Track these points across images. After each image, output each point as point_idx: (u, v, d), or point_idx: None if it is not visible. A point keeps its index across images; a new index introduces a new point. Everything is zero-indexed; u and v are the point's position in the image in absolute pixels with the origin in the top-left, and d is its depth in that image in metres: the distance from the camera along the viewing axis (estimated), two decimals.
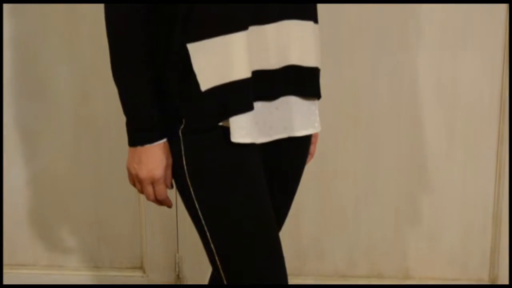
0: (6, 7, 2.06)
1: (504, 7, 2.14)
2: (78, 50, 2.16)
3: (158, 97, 1.33)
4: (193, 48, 1.30)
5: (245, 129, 1.32)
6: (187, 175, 1.35)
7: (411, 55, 2.20)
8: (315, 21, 1.42)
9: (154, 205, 1.43)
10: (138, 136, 1.34)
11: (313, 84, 1.44)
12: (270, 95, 1.37)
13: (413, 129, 2.25)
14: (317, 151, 1.56)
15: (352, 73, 2.22)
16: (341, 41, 2.18)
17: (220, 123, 1.32)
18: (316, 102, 1.46)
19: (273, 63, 1.35)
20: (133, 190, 1.50)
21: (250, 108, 1.32)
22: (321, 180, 2.28)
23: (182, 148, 1.34)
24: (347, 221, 2.32)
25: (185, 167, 1.34)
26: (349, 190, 2.30)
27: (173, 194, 1.43)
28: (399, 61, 2.20)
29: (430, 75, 2.22)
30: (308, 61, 1.40)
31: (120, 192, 2.25)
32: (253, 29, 1.32)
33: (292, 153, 1.49)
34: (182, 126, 1.33)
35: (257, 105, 1.35)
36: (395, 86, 2.22)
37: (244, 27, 1.30)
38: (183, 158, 1.34)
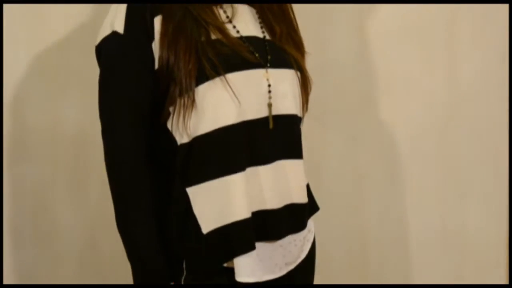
0: (7, 153, 2.09)
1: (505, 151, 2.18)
2: (85, 196, 2.17)
3: (162, 243, 1.35)
4: (192, 191, 1.33)
5: (250, 268, 1.34)
6: None
7: (417, 201, 2.22)
8: (302, 157, 1.46)
9: None
10: (144, 283, 1.35)
11: (305, 218, 1.47)
12: (275, 235, 1.38)
13: (422, 275, 2.23)
14: None
15: (359, 220, 2.22)
16: (346, 189, 2.22)
17: (225, 264, 1.34)
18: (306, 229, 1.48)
19: (275, 202, 1.37)
20: None
21: (252, 247, 1.34)
22: None
23: None
24: None
25: None
26: None
27: None
28: (404, 206, 2.22)
29: (435, 222, 2.23)
30: (302, 199, 1.44)
31: None
32: (250, 170, 1.34)
33: (298, 274, 1.48)
34: (183, 276, 1.35)
35: (261, 243, 1.37)
36: (402, 233, 2.22)
37: (241, 169, 1.32)
38: None
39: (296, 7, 1.54)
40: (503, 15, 2.16)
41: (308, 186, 1.53)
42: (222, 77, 1.30)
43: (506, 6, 2.15)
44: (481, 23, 2.18)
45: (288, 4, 1.50)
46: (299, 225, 1.45)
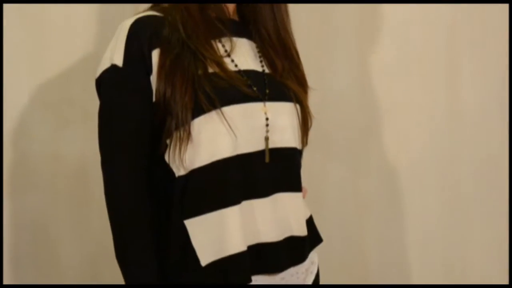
0: (8, 185, 2.10)
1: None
2: (86, 227, 2.15)
3: (162, 275, 1.35)
4: (190, 224, 1.33)
5: None
6: None
7: (418, 231, 2.22)
8: (301, 190, 1.47)
9: None
10: None
11: (305, 250, 1.47)
12: (275, 268, 1.39)
13: None
14: None
15: (360, 251, 2.22)
16: (347, 220, 2.22)
17: None
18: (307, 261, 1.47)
19: (274, 235, 1.38)
20: None
21: (247, 280, 1.34)
22: None
23: None
24: None
25: None
26: None
27: None
28: (406, 236, 2.22)
29: (437, 252, 2.22)
30: (302, 231, 1.44)
31: None
32: (246, 203, 1.35)
33: None
34: None
35: (261, 276, 1.37)
36: (404, 263, 2.22)
37: (236, 202, 1.33)
38: None
39: (297, 39, 1.55)
40: (503, 48, 2.17)
41: (311, 218, 1.53)
42: (218, 110, 1.31)
43: (507, 11, 2.16)
44: (481, 51, 2.19)
45: (290, 40, 1.51)
46: (299, 258, 1.44)
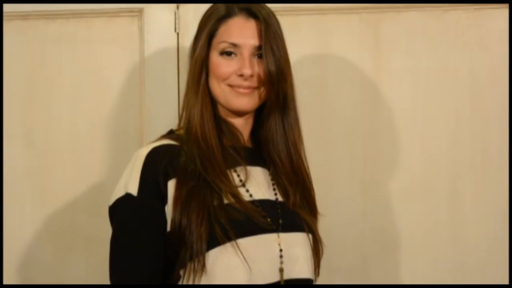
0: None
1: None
2: None
3: None
4: None
5: None
6: None
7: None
8: None
9: None
10: None
11: None
12: None
13: None
14: None
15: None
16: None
17: None
18: None
19: None
20: None
21: None
22: None
23: None
24: None
25: None
26: None
27: None
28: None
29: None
30: None
31: None
32: None
33: None
34: None
35: None
36: None
37: None
38: None
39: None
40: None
41: None
42: (233, 242, 1.31)
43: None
44: (483, 183, 2.18)
45: (303, 164, 1.51)
46: None
